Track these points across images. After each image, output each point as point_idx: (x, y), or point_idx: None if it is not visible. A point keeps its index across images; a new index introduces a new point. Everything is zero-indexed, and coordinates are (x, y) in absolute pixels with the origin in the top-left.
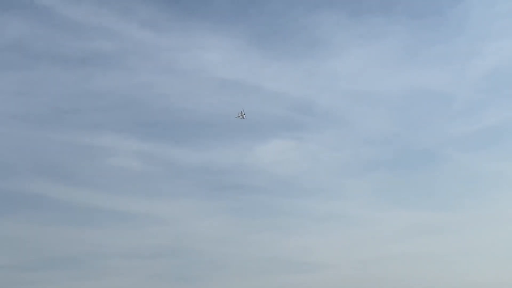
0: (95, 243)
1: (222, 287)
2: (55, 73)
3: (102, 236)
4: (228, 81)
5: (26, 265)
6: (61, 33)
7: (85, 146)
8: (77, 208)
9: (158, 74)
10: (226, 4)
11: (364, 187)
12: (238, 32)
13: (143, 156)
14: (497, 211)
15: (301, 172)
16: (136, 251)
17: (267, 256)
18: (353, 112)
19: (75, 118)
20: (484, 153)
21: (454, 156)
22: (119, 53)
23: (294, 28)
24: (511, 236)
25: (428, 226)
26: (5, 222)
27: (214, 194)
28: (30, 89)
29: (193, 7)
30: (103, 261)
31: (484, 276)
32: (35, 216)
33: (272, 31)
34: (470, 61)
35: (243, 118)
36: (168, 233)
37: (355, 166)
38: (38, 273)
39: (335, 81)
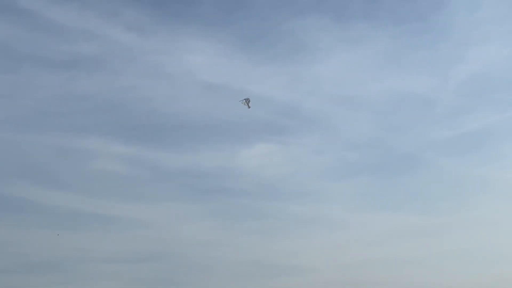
0: (78, 247)
1: None
2: (39, 76)
3: (85, 240)
4: (213, 85)
5: (7, 269)
6: (45, 36)
7: (69, 149)
8: (60, 212)
9: (143, 77)
10: (211, 8)
11: (348, 191)
12: (223, 36)
13: (127, 160)
14: (480, 215)
15: (285, 175)
16: (120, 255)
17: (252, 260)
18: (338, 116)
19: (59, 121)
20: (466, 158)
21: (436, 160)
22: (103, 56)
23: (279, 32)
24: (493, 240)
25: (411, 229)
26: None
27: (199, 197)
28: (13, 92)
29: (178, 11)
30: (86, 266)
31: (467, 280)
32: (17, 220)
33: (258, 35)
34: (453, 66)
35: (248, 105)
36: (152, 237)
37: (339, 170)
38: (20, 277)
39: (319, 86)
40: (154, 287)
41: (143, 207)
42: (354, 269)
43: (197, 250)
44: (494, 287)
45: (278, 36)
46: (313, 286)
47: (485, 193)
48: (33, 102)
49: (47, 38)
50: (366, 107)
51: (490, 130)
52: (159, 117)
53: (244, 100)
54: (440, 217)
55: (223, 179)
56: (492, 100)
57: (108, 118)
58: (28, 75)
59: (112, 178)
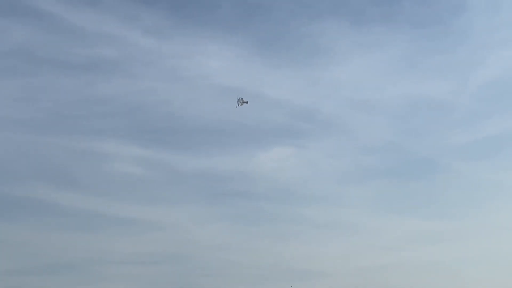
0: (95, 249)
1: None
2: (58, 79)
3: (102, 241)
4: (230, 88)
5: (26, 270)
6: (65, 40)
7: (88, 151)
8: (78, 213)
9: (160, 80)
10: (229, 12)
11: (364, 195)
12: (240, 40)
13: (145, 162)
14: (497, 220)
15: (302, 179)
16: (136, 257)
17: (267, 263)
18: (354, 120)
19: (77, 123)
20: (484, 163)
21: (454, 165)
22: (122, 60)
23: (297, 36)
24: (510, 244)
25: (427, 234)
26: (7, 227)
27: (215, 200)
28: (33, 94)
29: (196, 15)
30: (103, 267)
31: (483, 285)
32: (36, 222)
33: (275, 39)
34: (472, 70)
35: (242, 104)
36: (168, 239)
37: (356, 174)
38: (38, 278)
39: (336, 89)
40: None
41: (160, 209)
42: (369, 273)
43: (212, 253)
44: None
45: (295, 40)
46: None
47: (502, 198)
48: (52, 105)
49: (66, 42)
50: (383, 111)
51: (508, 135)
52: (176, 120)
53: (241, 99)
54: (457, 222)
55: (239, 182)
56: (511, 105)
57: (126, 121)
58: (48, 78)
59: (129, 180)
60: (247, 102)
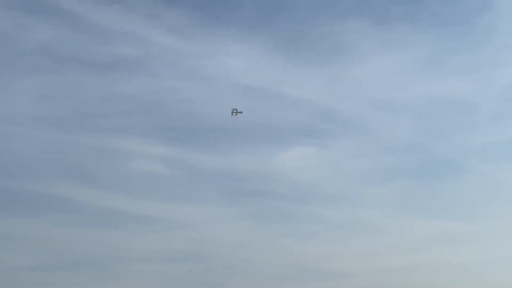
0: (117, 246)
1: None
2: (81, 77)
3: (124, 239)
4: (251, 88)
5: (47, 266)
6: (87, 38)
7: (110, 149)
8: (99, 211)
9: (182, 79)
10: (251, 11)
11: (385, 196)
12: (262, 39)
13: (166, 161)
14: None
15: (322, 179)
16: (157, 255)
17: (287, 263)
18: (376, 120)
19: (100, 122)
20: (508, 164)
21: (477, 167)
22: (144, 58)
23: (319, 35)
24: None
25: (449, 236)
26: (30, 224)
27: (236, 199)
28: (56, 92)
29: (218, 14)
30: (125, 264)
31: (506, 287)
32: (59, 218)
33: (297, 38)
34: (496, 70)
35: (236, 114)
36: (189, 238)
37: (377, 174)
38: (59, 274)
39: (358, 89)
40: (190, 286)
41: (181, 207)
42: (390, 274)
43: (233, 252)
44: None
45: (317, 39)
46: None
47: None
48: (75, 103)
49: (89, 40)
50: (405, 111)
51: None
52: (197, 119)
53: (235, 110)
54: (480, 223)
55: (260, 181)
56: None
57: (148, 119)
58: (70, 76)
59: (151, 178)
60: (241, 112)
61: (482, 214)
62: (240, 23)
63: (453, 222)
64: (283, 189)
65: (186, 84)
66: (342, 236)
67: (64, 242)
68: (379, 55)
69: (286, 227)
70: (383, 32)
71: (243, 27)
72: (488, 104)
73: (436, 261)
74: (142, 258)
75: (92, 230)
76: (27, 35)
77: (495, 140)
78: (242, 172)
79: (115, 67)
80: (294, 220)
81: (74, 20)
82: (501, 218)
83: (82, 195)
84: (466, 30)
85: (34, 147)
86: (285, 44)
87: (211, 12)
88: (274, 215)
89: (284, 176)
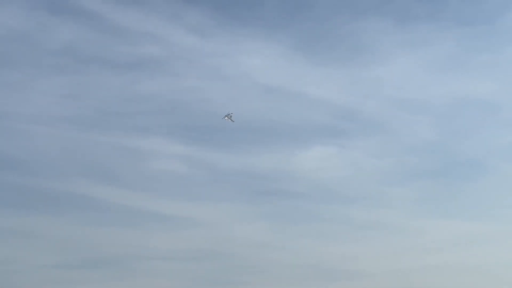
0: (137, 244)
1: None
2: (103, 77)
3: (144, 237)
4: (272, 87)
5: (69, 264)
6: (110, 38)
7: (131, 149)
8: (120, 209)
9: (203, 79)
10: (271, 11)
11: (407, 196)
12: (282, 38)
13: (187, 160)
14: None
15: (343, 179)
16: (176, 253)
17: (307, 263)
18: (397, 120)
19: (122, 121)
20: None
21: (500, 167)
22: (165, 58)
23: (340, 34)
24: None
25: (472, 236)
26: (52, 222)
27: (256, 199)
28: (79, 92)
29: (239, 14)
30: (145, 263)
31: None
32: (79, 217)
33: (317, 37)
34: None
35: (231, 120)
36: (209, 236)
37: (398, 174)
38: (80, 271)
39: (379, 88)
40: (209, 285)
41: (200, 206)
42: (411, 275)
43: (252, 251)
44: None
45: (338, 38)
46: None
47: None
48: (97, 102)
49: (112, 40)
50: (427, 111)
51: None
52: (218, 118)
53: (227, 116)
54: (503, 224)
55: (279, 181)
56: None
57: (169, 118)
58: (93, 76)
59: (172, 177)
60: (232, 119)
61: (504, 215)
62: (260, 22)
63: (475, 223)
64: (303, 188)
65: (207, 84)
66: (363, 236)
67: (85, 240)
68: (401, 54)
69: (306, 227)
70: (404, 31)
71: (264, 26)
72: (511, 104)
73: (458, 262)
74: (162, 256)
75: (113, 228)
76: (51, 35)
77: None
78: (262, 171)
79: (137, 67)
80: (315, 220)
81: (97, 21)
82: None
83: (104, 193)
84: (489, 30)
85: (57, 146)
86: (305, 43)
87: (232, 12)
88: (294, 215)
89: (304, 176)
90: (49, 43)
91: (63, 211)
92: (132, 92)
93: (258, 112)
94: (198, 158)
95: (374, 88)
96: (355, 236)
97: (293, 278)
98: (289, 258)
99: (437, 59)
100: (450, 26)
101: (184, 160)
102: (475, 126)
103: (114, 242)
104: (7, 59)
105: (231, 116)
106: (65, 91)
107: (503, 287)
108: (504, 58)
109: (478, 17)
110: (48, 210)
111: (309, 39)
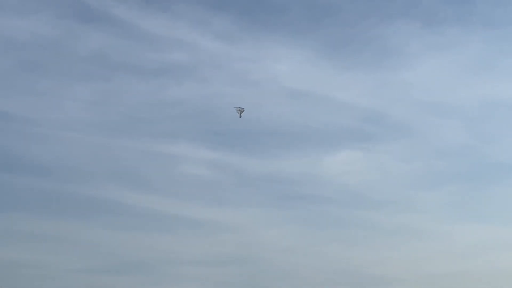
0: (165, 250)
1: None
2: (131, 84)
3: (172, 242)
4: (298, 92)
5: (97, 269)
6: (137, 45)
7: (158, 154)
8: (148, 214)
9: (230, 84)
10: (298, 15)
11: (436, 200)
12: (309, 43)
13: (213, 165)
14: None
15: (370, 183)
16: (204, 258)
17: (335, 269)
18: (426, 123)
19: (149, 126)
20: None
21: None
22: (192, 64)
23: (366, 38)
24: None
25: (502, 242)
26: (80, 227)
27: (282, 203)
28: (107, 98)
29: (265, 19)
30: (172, 267)
31: None
32: (108, 221)
33: (344, 41)
34: None
35: (240, 113)
36: (235, 241)
37: (427, 178)
38: (108, 277)
39: (407, 92)
40: None
41: (227, 211)
42: (440, 281)
43: (279, 256)
44: None
45: (364, 42)
46: None
47: None
48: (125, 108)
49: (139, 47)
50: (456, 114)
51: None
52: (245, 123)
53: (239, 109)
54: None
55: (306, 185)
56: None
57: (196, 124)
58: (121, 82)
59: (199, 182)
60: (241, 114)
61: None
62: (287, 27)
63: (505, 228)
64: (331, 193)
65: (234, 89)
66: (390, 241)
67: (114, 245)
68: (429, 57)
69: (333, 232)
70: (432, 34)
71: (290, 31)
72: None
73: (488, 268)
74: (190, 261)
75: (142, 233)
76: (79, 43)
77: None
78: (289, 176)
79: (164, 73)
80: (342, 225)
81: (124, 28)
82: None
83: (131, 198)
84: None
85: (86, 151)
86: (332, 47)
87: (258, 17)
88: (321, 220)
89: (332, 180)
90: (78, 50)
91: (92, 216)
92: (160, 98)
93: (285, 117)
94: (226, 163)
95: (402, 91)
96: (383, 241)
97: (320, 283)
98: (317, 263)
99: (465, 62)
100: (478, 29)
101: (212, 165)
102: (505, 129)
103: (142, 247)
104: (36, 67)
105: (242, 111)
106: (94, 98)
107: None
108: None
109: (506, 19)
110: (78, 215)
111: (336, 43)
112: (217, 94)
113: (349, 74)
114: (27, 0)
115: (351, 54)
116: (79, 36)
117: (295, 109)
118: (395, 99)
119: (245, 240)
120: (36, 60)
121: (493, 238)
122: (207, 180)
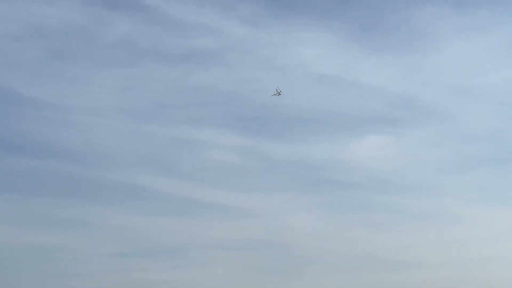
0: (192, 234)
1: (314, 282)
2: (158, 70)
3: (199, 227)
4: (325, 76)
5: (126, 252)
6: (164, 31)
7: (186, 139)
8: (176, 199)
9: (257, 70)
10: None
11: (465, 185)
12: (336, 27)
13: (241, 150)
14: None
15: (398, 168)
16: (231, 243)
17: (362, 253)
18: (456, 108)
19: (177, 112)
20: None
21: None
22: (219, 50)
23: (395, 21)
24: None
25: None
26: (110, 212)
27: (310, 189)
28: (135, 85)
29: (291, 3)
30: (200, 251)
31: None
32: (138, 206)
33: (372, 24)
34: None
35: (279, 94)
36: (263, 226)
37: (456, 163)
38: (138, 260)
39: (437, 76)
40: (264, 274)
41: (255, 196)
42: (471, 266)
43: (306, 241)
44: None
45: (393, 25)
46: (427, 282)
47: None
48: (153, 95)
49: (165, 33)
50: (487, 98)
51: None
52: (272, 109)
53: (276, 92)
54: None
55: (334, 170)
56: None
57: (223, 109)
58: (148, 68)
59: (226, 168)
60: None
61: None
62: (314, 11)
63: None
64: (358, 178)
65: (261, 74)
66: (419, 226)
67: (142, 229)
68: (459, 40)
69: (361, 217)
70: (462, 17)
71: (317, 15)
72: None
73: None
74: (217, 245)
75: (169, 218)
76: (106, 29)
77: None
78: (316, 161)
79: (191, 59)
80: (370, 210)
81: (151, 14)
82: None
83: (159, 184)
84: None
85: (114, 137)
86: (360, 31)
87: (285, 2)
88: (349, 205)
89: (359, 165)
90: (106, 37)
91: (121, 201)
92: (187, 84)
93: (312, 102)
94: (253, 148)
95: (432, 75)
96: (411, 226)
97: (347, 268)
98: (344, 248)
99: (496, 45)
100: (508, 10)
101: (239, 151)
102: None
103: (170, 231)
104: (65, 53)
105: (279, 93)
106: (121, 84)
107: None
108: None
109: None
110: (107, 200)
111: (364, 27)
112: (244, 79)
113: (378, 58)
114: None
115: (379, 37)
116: (106, 22)
117: (322, 94)
118: (424, 83)
119: (272, 225)
120: (64, 47)
121: None
122: (235, 165)
